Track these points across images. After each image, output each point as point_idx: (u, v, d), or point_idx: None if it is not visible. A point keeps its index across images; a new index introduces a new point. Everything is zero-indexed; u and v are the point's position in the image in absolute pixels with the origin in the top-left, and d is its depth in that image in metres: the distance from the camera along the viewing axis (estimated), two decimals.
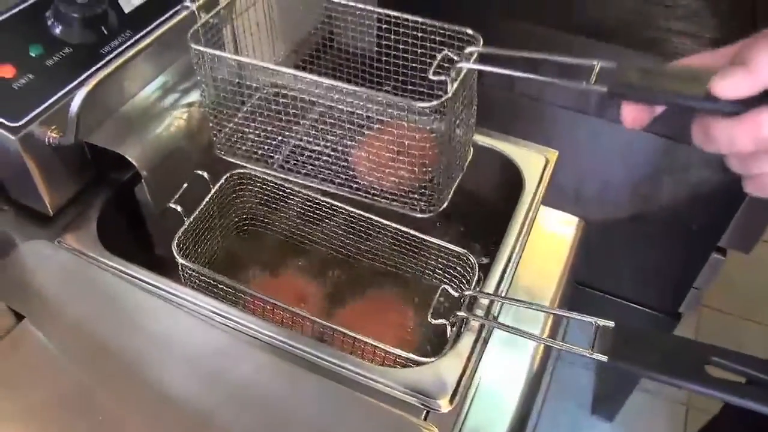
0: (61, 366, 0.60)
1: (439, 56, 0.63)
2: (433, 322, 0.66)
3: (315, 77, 0.64)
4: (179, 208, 0.73)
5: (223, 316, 0.64)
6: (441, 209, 0.70)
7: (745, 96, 0.43)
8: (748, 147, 0.44)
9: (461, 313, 0.65)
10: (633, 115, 0.50)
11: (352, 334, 0.65)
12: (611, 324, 0.53)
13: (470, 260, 0.74)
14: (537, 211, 0.78)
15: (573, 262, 0.83)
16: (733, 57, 0.46)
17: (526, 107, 1.34)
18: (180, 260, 0.69)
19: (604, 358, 0.50)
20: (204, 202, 0.76)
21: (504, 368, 0.70)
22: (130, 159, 0.68)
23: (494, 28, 0.71)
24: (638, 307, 1.46)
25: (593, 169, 1.36)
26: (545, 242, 0.83)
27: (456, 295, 0.69)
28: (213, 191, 0.78)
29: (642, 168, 1.32)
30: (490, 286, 0.70)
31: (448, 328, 0.66)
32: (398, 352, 0.63)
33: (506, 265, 0.72)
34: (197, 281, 0.70)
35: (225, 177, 0.79)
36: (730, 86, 0.43)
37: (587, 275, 1.46)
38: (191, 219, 0.73)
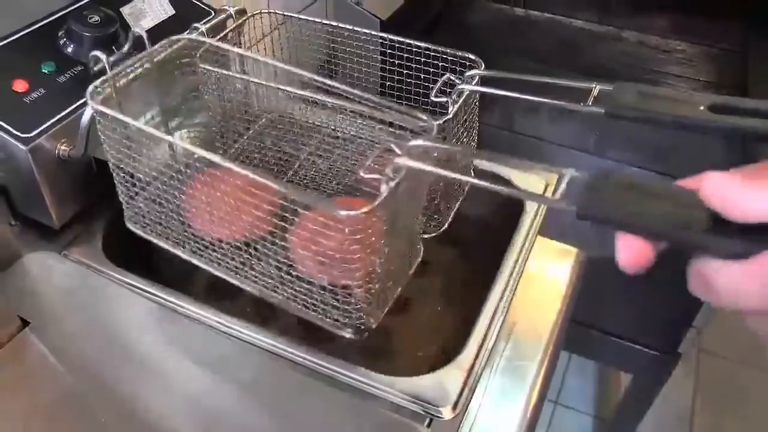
0: (65, 370, 0.60)
1: (441, 79, 0.65)
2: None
3: (320, 96, 0.66)
4: None
5: (227, 326, 0.65)
6: (442, 230, 0.71)
7: (757, 216, 0.33)
8: (756, 303, 0.34)
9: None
10: (631, 253, 0.38)
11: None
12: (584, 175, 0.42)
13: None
14: (537, 232, 0.79)
15: (573, 290, 0.83)
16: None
17: (526, 146, 1.36)
18: (93, 105, 0.59)
19: (572, 208, 0.40)
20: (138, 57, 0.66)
21: (508, 383, 0.70)
22: (138, 174, 0.69)
23: (495, 64, 0.73)
24: (636, 346, 1.46)
25: None
26: (544, 271, 0.84)
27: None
28: (147, 51, 0.67)
29: None
30: (491, 304, 0.70)
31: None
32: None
33: (506, 285, 0.73)
34: (116, 145, 0.62)
35: (166, 40, 0.68)
36: (730, 203, 0.34)
37: (586, 314, 1.46)
38: (118, 69, 0.64)
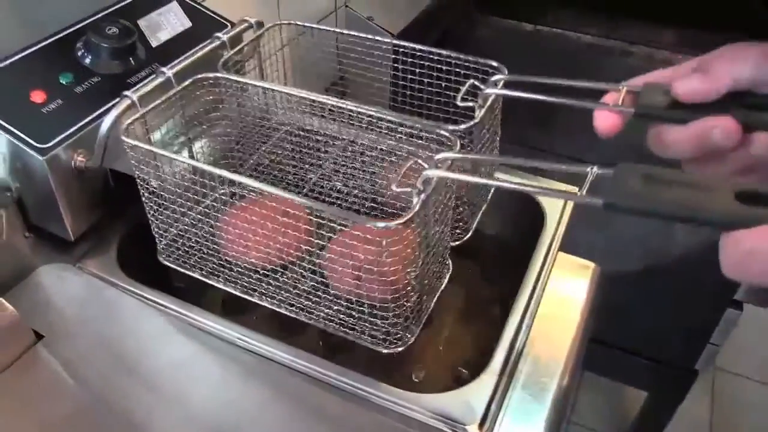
0: (77, 385, 0.59)
1: (466, 84, 0.65)
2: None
3: (342, 102, 0.65)
4: None
5: (244, 340, 0.63)
6: (467, 237, 0.70)
7: (702, 99, 0.46)
8: (691, 152, 0.47)
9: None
10: (605, 121, 0.51)
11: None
12: (609, 171, 0.44)
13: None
14: (558, 245, 0.77)
15: (592, 306, 0.82)
16: (694, 68, 0.49)
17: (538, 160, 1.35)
18: (126, 139, 0.60)
19: (599, 202, 0.42)
20: (166, 96, 0.66)
21: (528, 400, 0.68)
22: (153, 185, 0.68)
23: None
24: (652, 363, 1.44)
25: (605, 222, 1.36)
26: (563, 287, 0.82)
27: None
28: (175, 89, 0.67)
29: (654, 221, 1.32)
30: (514, 320, 0.69)
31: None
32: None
33: (528, 300, 0.71)
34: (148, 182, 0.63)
35: (191, 79, 0.68)
36: (688, 89, 0.47)
37: (599, 330, 1.44)
38: (148, 108, 0.64)
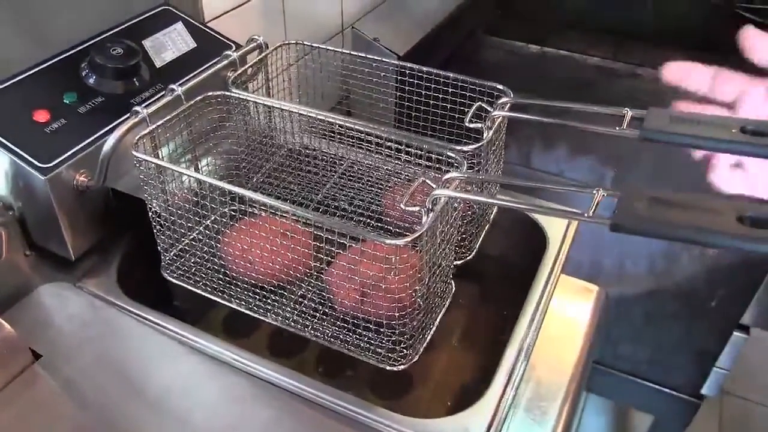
0: (78, 404, 0.58)
1: (473, 106, 0.66)
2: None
3: (351, 121, 0.65)
4: None
5: (244, 363, 0.63)
6: (470, 257, 0.71)
7: None
8: None
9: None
10: None
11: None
12: (615, 193, 0.45)
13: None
14: (561, 268, 0.77)
15: (595, 328, 0.81)
16: None
17: (544, 182, 1.35)
18: (136, 154, 0.61)
19: (606, 222, 0.43)
20: (176, 112, 0.67)
21: (529, 424, 0.67)
22: (160, 200, 0.68)
23: None
24: (659, 387, 1.43)
25: (610, 245, 1.35)
26: (565, 309, 0.82)
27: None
28: (185, 106, 0.68)
29: (659, 244, 1.31)
30: (515, 344, 0.68)
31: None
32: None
33: (530, 324, 0.71)
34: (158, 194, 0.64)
35: (201, 96, 0.69)
36: None
37: (607, 354, 1.43)
38: (158, 123, 0.65)
